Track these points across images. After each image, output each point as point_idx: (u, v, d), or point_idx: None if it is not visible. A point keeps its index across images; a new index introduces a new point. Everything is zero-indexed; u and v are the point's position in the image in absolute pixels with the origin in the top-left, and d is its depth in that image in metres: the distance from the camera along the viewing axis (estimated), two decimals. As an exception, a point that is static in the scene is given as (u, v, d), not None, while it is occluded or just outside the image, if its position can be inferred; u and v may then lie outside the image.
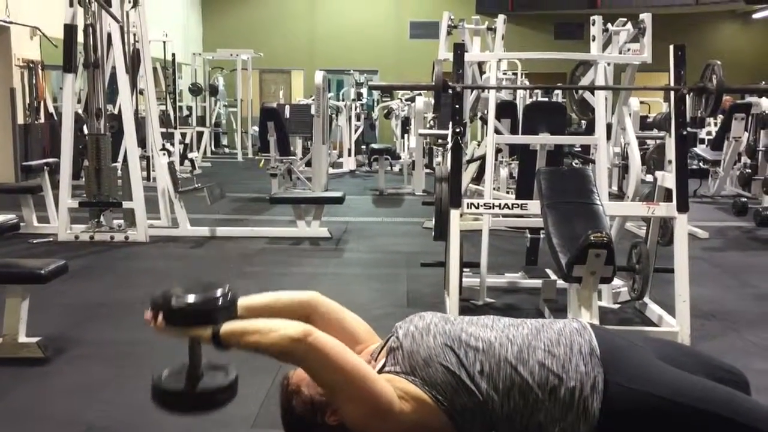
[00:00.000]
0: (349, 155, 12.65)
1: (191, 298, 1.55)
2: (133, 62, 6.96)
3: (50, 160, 6.88)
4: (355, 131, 12.95)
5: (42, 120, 9.79)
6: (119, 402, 2.88)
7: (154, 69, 8.57)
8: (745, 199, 7.07)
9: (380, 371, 1.58)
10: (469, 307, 4.18)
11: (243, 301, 1.70)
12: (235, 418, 2.71)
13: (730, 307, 4.32)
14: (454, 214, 3.68)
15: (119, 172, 6.34)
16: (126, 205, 6.04)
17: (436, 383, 1.50)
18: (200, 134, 13.78)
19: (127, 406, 2.83)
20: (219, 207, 7.25)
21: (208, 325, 1.54)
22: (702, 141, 11.13)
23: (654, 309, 3.99)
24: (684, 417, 1.44)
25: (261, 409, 2.74)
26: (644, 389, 1.47)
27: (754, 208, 6.84)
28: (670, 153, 3.67)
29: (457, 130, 3.68)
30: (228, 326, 1.52)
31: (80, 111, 7.78)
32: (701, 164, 9.50)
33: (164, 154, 6.39)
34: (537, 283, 4.46)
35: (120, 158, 7.26)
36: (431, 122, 10.03)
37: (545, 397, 1.48)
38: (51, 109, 9.98)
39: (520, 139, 4.97)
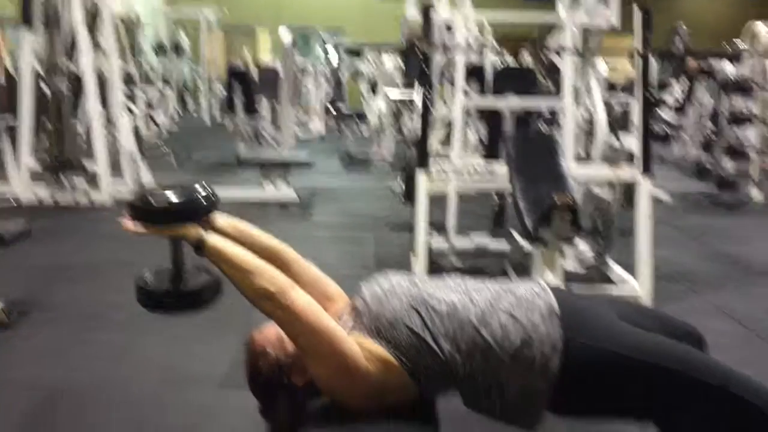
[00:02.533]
0: (318, 118, 12.55)
1: (175, 197, 1.50)
2: (94, 19, 6.76)
3: (8, 115, 6.68)
4: (324, 93, 12.82)
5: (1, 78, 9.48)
6: (85, 365, 2.86)
7: (116, 26, 8.33)
8: (707, 163, 7.20)
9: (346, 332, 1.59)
10: (435, 269, 4.22)
11: (223, 220, 1.70)
12: (203, 378, 2.72)
13: (690, 268, 4.43)
14: (422, 176, 3.69)
15: (81, 133, 6.21)
16: (89, 167, 5.93)
17: (400, 344, 1.52)
18: (165, 94, 13.52)
19: (94, 369, 2.82)
20: (185, 169, 7.16)
21: (191, 224, 1.50)
22: (667, 105, 11.25)
23: (616, 270, 4.06)
24: (640, 372, 1.48)
25: (229, 370, 2.75)
26: (602, 347, 1.50)
27: (716, 171, 6.98)
28: (635, 117, 3.71)
29: (426, 92, 3.67)
30: (217, 242, 1.51)
31: (40, 69, 7.56)
32: (665, 128, 9.62)
33: (127, 114, 6.27)
34: (503, 245, 4.51)
35: (81, 118, 7.11)
36: (400, 85, 9.96)
37: (506, 358, 1.51)
38: (9, 67, 9.67)
39: (488, 102, 4.97)
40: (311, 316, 1.48)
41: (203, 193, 1.54)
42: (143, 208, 1.51)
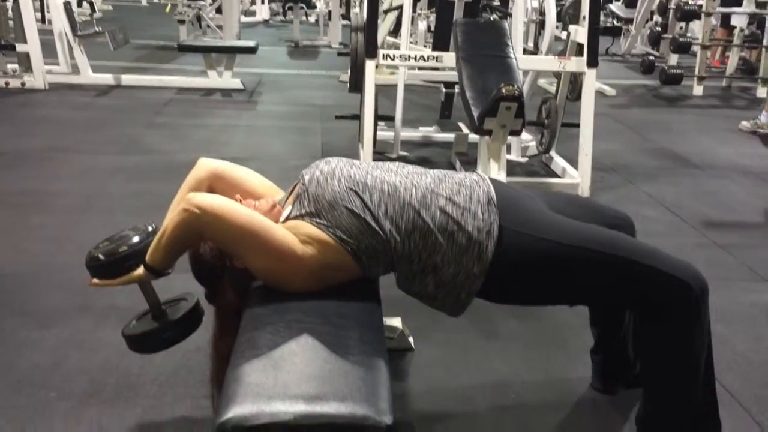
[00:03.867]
0: (263, 3, 12.06)
1: (112, 250, 1.60)
2: None
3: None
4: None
5: None
6: (25, 249, 2.83)
7: None
8: (653, 58, 7.26)
9: (287, 219, 1.60)
10: (382, 160, 4.24)
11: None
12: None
13: (629, 160, 4.56)
14: (370, 64, 3.63)
15: (10, 11, 5.85)
16: (19, 48, 5.63)
17: (341, 225, 1.54)
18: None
19: (34, 253, 2.80)
20: (123, 54, 6.86)
21: (139, 266, 1.59)
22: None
23: (559, 162, 4.15)
24: (571, 258, 1.55)
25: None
26: (534, 234, 1.55)
27: (661, 66, 7.06)
28: (584, 8, 3.68)
29: (374, -24, 3.55)
30: (150, 254, 1.57)
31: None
32: (615, 22, 9.59)
33: (59, -8, 5.91)
34: (450, 136, 4.54)
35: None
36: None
37: (444, 241, 1.55)
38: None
39: (438, -12, 4.85)
40: (230, 211, 1.48)
41: (139, 237, 1.62)
42: (91, 267, 1.62)
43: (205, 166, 1.81)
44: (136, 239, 1.60)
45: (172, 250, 1.53)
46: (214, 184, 1.77)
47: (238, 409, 1.18)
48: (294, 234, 1.53)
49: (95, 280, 1.61)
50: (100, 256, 1.59)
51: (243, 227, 1.48)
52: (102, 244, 1.63)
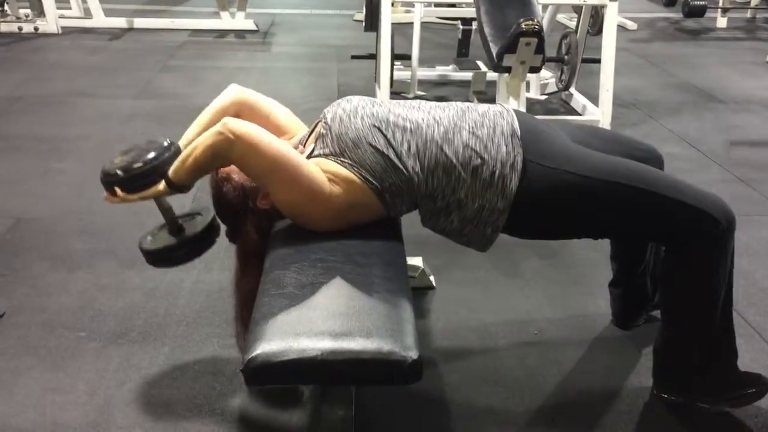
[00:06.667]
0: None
1: (133, 163, 1.55)
2: None
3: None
4: None
5: None
6: (47, 194, 2.86)
7: None
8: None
9: (309, 156, 1.59)
10: (399, 99, 4.19)
11: (182, 141, 1.73)
12: (168, 208, 2.75)
13: (650, 96, 4.47)
14: (386, 2, 3.55)
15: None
16: (31, -8, 5.57)
17: (365, 164, 1.52)
18: None
19: (56, 198, 2.82)
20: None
21: (160, 180, 1.55)
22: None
23: (579, 99, 4.08)
24: (594, 190, 1.53)
25: (195, 200, 2.77)
26: (559, 167, 1.53)
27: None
28: (607, -63, 3.55)
29: None
30: (171, 168, 1.54)
31: None
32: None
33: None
34: (468, 75, 4.46)
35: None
36: None
37: (467, 176, 1.53)
38: None
39: None
40: (263, 142, 1.46)
41: (155, 152, 1.57)
42: (108, 183, 1.56)
43: (235, 92, 1.80)
44: (152, 154, 1.55)
45: (198, 170, 1.51)
46: (241, 112, 1.75)
47: (266, 346, 1.20)
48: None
49: (120, 194, 1.57)
50: (118, 172, 1.53)
51: (275, 159, 1.46)
52: (117, 159, 1.57)
